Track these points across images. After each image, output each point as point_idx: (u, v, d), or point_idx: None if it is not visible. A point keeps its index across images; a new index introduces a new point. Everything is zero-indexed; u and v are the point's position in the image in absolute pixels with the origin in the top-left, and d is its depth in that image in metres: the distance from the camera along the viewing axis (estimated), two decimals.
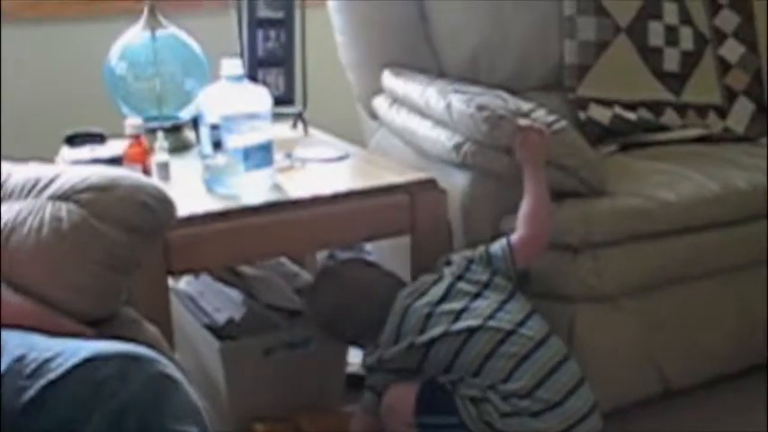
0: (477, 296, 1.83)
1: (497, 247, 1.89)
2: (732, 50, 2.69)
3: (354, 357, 2.20)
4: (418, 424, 1.78)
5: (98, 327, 1.43)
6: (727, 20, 2.70)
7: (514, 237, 1.88)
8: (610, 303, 2.07)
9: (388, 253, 2.51)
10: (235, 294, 2.10)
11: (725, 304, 2.24)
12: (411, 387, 1.81)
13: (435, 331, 1.79)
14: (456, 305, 1.82)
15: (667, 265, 2.11)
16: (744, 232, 2.20)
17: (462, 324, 1.78)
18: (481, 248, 1.90)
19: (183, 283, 2.22)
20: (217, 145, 1.89)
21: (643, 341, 2.14)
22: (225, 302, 2.10)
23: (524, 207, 1.90)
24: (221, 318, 2.06)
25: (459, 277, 1.86)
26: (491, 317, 1.79)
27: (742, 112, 2.65)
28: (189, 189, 1.93)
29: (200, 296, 2.18)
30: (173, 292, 2.07)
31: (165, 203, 1.54)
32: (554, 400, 1.73)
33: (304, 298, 2.07)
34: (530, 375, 1.73)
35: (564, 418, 1.73)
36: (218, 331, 2.03)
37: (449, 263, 1.91)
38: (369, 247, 2.73)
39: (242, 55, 2.29)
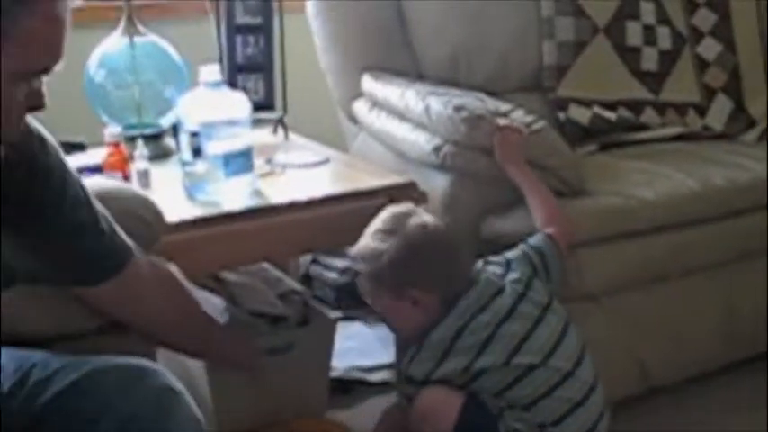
0: (539, 321, 1.69)
1: (543, 245, 1.80)
2: (709, 49, 2.71)
3: (337, 362, 2.21)
4: None
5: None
6: (704, 18, 2.72)
7: (552, 233, 1.83)
8: (591, 302, 2.08)
9: None
10: (217, 301, 2.05)
11: (706, 301, 2.25)
12: (454, 398, 1.68)
13: (494, 359, 1.66)
14: (519, 329, 1.67)
15: (648, 264, 2.12)
16: (723, 229, 2.21)
17: (523, 359, 1.66)
18: (528, 250, 1.79)
19: None
20: (197, 152, 1.89)
21: (625, 339, 2.15)
22: (207, 309, 2.01)
23: (538, 206, 1.89)
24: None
25: (523, 295, 1.71)
26: (551, 354, 1.67)
27: (721, 109, 2.67)
28: (170, 196, 1.92)
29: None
30: None
31: (158, 216, 1.55)
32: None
33: (368, 239, 1.76)
34: (581, 422, 1.67)
35: None
36: None
37: (487, 263, 1.78)
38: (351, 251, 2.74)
39: (221, 61, 2.29)
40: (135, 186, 1.89)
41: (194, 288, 1.85)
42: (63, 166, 1.32)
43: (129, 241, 1.43)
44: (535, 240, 1.81)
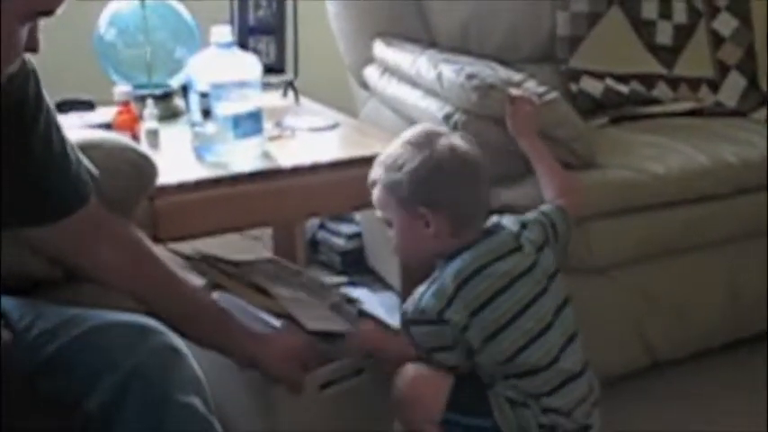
0: (544, 291, 1.63)
1: (555, 215, 1.75)
2: (725, 24, 2.68)
3: None
4: (446, 421, 1.60)
5: (76, 289, 1.42)
6: None
7: (562, 205, 1.79)
8: (599, 275, 2.08)
9: (376, 223, 2.51)
10: (270, 318, 1.80)
11: (714, 277, 2.25)
12: (442, 379, 1.61)
13: (503, 313, 1.58)
14: (528, 293, 1.61)
15: (657, 238, 2.12)
16: (734, 206, 2.20)
17: (526, 324, 1.59)
18: (541, 216, 1.73)
19: None
20: (206, 113, 1.89)
21: (632, 313, 2.15)
22: (257, 325, 1.78)
23: (548, 179, 1.85)
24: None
25: (534, 263, 1.64)
26: (550, 325, 1.62)
27: (734, 86, 2.65)
28: (178, 157, 1.93)
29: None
30: None
31: (147, 166, 1.53)
32: (584, 423, 1.64)
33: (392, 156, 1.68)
34: (574, 396, 1.62)
35: None
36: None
37: (501, 227, 1.69)
38: (358, 216, 2.74)
39: (232, 22, 2.28)
40: (144, 146, 1.89)
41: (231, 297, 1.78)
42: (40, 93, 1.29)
43: (88, 180, 1.38)
44: (547, 209, 1.76)
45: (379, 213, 1.70)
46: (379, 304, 2.52)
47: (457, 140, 1.67)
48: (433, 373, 1.62)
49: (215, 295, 1.88)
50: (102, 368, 1.15)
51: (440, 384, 1.61)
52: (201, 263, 1.90)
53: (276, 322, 1.78)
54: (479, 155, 1.67)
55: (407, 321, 1.63)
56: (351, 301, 1.94)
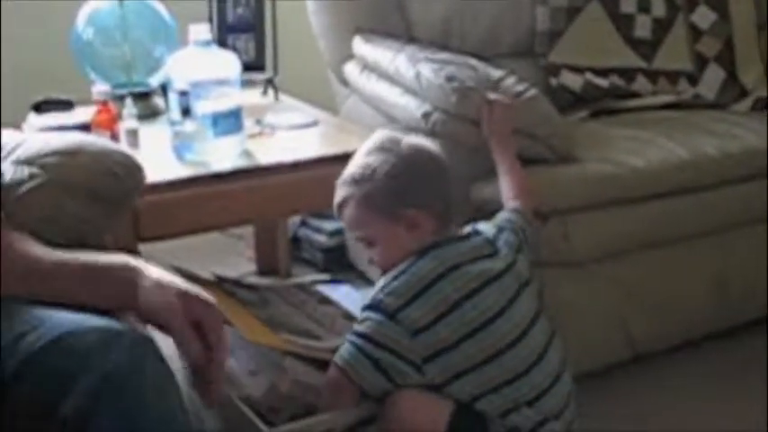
0: (516, 297, 1.57)
1: (521, 219, 1.72)
2: (703, 17, 2.69)
3: None
4: None
5: None
6: None
7: (519, 207, 1.77)
8: (579, 269, 2.09)
9: None
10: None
11: (696, 269, 2.26)
12: (441, 407, 1.50)
13: (474, 317, 1.52)
14: (501, 299, 1.55)
15: (636, 231, 2.12)
16: (714, 198, 2.21)
17: (489, 338, 1.52)
18: (508, 223, 1.70)
19: None
20: (186, 111, 1.88)
21: (612, 306, 2.16)
22: (261, 362, 1.71)
23: (508, 182, 1.83)
24: (258, 386, 1.67)
25: (511, 265, 1.60)
26: (525, 333, 1.55)
27: (713, 78, 2.66)
28: (158, 156, 1.92)
29: None
30: None
31: (133, 170, 1.52)
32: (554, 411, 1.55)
33: (363, 156, 1.65)
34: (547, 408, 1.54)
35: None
36: (254, 405, 1.62)
37: (477, 233, 1.66)
38: None
39: (211, 20, 2.27)
40: (123, 145, 1.88)
41: None
42: None
43: None
44: (510, 215, 1.73)
45: (354, 235, 1.68)
46: (361, 301, 2.52)
47: (418, 139, 1.67)
48: (431, 400, 1.51)
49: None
50: (76, 372, 1.14)
51: (436, 413, 1.50)
52: (216, 288, 1.89)
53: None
54: (441, 151, 1.67)
55: (367, 304, 1.56)
56: (326, 301, 1.91)
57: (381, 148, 1.63)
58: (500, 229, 1.67)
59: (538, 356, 1.55)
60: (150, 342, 1.22)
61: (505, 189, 1.83)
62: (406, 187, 1.60)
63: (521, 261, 1.63)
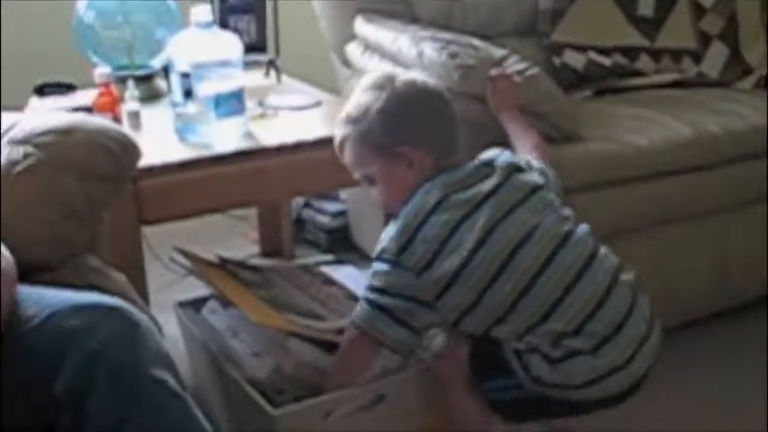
0: (515, 208, 1.55)
1: (540, 164, 1.70)
2: None
3: None
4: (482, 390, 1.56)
5: (57, 275, 1.41)
6: None
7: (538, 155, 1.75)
8: None
9: (360, 200, 2.51)
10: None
11: (700, 248, 2.26)
12: (457, 351, 1.57)
13: (477, 231, 1.50)
14: (496, 214, 1.53)
15: (639, 210, 2.12)
16: (718, 176, 2.21)
17: (503, 240, 1.51)
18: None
19: (207, 312, 1.91)
20: (188, 93, 1.88)
21: None
22: (265, 343, 1.73)
23: (522, 141, 1.82)
24: (263, 367, 1.69)
25: (507, 177, 1.58)
26: (529, 238, 1.53)
27: (716, 56, 2.65)
28: (160, 138, 1.92)
29: (230, 333, 1.80)
30: (193, 325, 1.86)
31: (128, 147, 1.52)
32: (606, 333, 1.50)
33: (358, 91, 1.65)
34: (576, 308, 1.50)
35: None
36: (258, 386, 1.64)
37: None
38: (343, 194, 2.74)
39: (212, 2, 2.26)
40: (125, 128, 1.88)
41: None
42: None
43: None
44: (529, 157, 1.71)
45: (356, 174, 1.67)
46: (364, 281, 2.52)
47: (414, 75, 1.66)
48: (447, 349, 1.61)
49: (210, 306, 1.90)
50: (66, 351, 1.14)
51: (454, 358, 1.58)
52: (219, 269, 1.90)
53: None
54: (440, 85, 1.66)
55: (374, 256, 1.58)
56: (330, 282, 1.90)
57: (376, 86, 1.62)
58: (502, 152, 1.66)
59: (548, 262, 1.51)
60: (144, 319, 1.22)
61: (520, 148, 1.80)
62: (400, 124, 1.59)
63: (523, 175, 1.61)
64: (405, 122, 1.59)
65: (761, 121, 2.28)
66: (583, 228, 1.60)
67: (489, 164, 1.61)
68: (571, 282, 1.51)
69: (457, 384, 1.59)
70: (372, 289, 1.56)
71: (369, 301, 1.56)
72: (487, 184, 1.57)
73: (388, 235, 1.56)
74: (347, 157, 1.65)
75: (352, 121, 1.62)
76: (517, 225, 1.54)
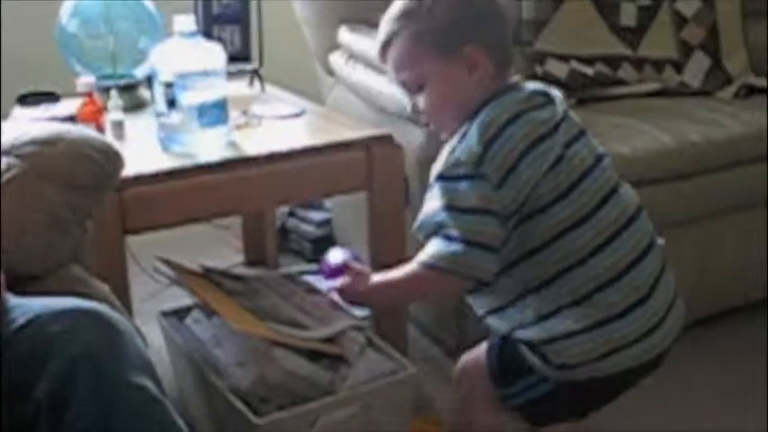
0: (575, 140, 1.48)
1: None
2: (688, 5, 2.70)
3: None
4: (503, 398, 1.50)
5: (41, 285, 1.40)
6: None
7: None
8: None
9: (345, 208, 2.52)
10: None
11: (682, 256, 2.27)
12: (477, 352, 1.53)
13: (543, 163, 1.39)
14: (587, 155, 1.46)
15: None
16: (698, 185, 2.22)
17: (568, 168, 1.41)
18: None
19: (191, 321, 1.91)
20: (171, 103, 1.88)
21: None
22: (249, 352, 1.71)
23: None
24: (246, 376, 1.67)
25: (567, 112, 1.49)
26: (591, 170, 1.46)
27: (698, 66, 2.67)
28: (144, 147, 1.92)
29: (214, 343, 1.79)
30: (177, 334, 1.86)
31: (112, 157, 1.52)
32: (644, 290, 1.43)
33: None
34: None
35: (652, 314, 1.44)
36: (242, 395, 1.64)
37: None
38: (328, 203, 2.74)
39: (196, 12, 2.26)
40: (109, 137, 1.87)
41: None
42: None
43: None
44: None
45: (400, 77, 1.50)
46: None
47: None
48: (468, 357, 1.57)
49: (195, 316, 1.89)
50: (47, 355, 1.14)
51: (476, 360, 1.54)
52: (203, 278, 1.89)
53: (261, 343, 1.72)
54: None
55: (441, 178, 1.40)
56: (358, 328, 1.85)
57: None
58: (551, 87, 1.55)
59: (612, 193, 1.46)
60: (125, 324, 1.22)
61: None
62: (464, 20, 1.43)
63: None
64: (470, 19, 1.42)
65: (741, 130, 2.30)
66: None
67: (546, 94, 1.48)
68: (624, 224, 1.45)
69: (477, 398, 1.55)
70: (450, 209, 1.38)
71: (446, 236, 1.38)
72: (558, 111, 1.46)
73: (461, 148, 1.39)
74: (393, 57, 1.48)
75: (407, 15, 1.45)
76: (583, 155, 1.46)
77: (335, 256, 1.62)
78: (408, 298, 1.59)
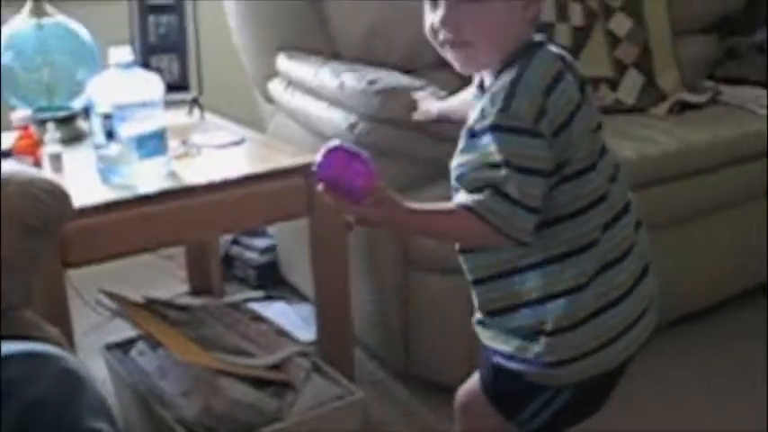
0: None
1: None
2: (620, 24, 2.76)
3: None
4: (520, 424, 1.46)
5: None
6: None
7: None
8: None
9: (288, 235, 2.52)
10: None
11: None
12: (473, 389, 1.50)
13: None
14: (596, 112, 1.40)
15: None
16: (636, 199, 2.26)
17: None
18: None
19: (135, 353, 1.90)
20: (110, 134, 1.87)
21: None
22: (194, 382, 1.71)
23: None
24: (192, 406, 1.67)
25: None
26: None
27: (632, 83, 2.72)
28: (83, 179, 1.90)
29: (159, 374, 1.80)
30: (121, 366, 1.86)
31: (59, 197, 1.51)
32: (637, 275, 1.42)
33: None
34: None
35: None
36: (188, 426, 1.65)
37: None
38: (271, 230, 2.75)
39: (133, 42, 2.26)
40: (47, 170, 1.86)
41: None
42: None
43: None
44: None
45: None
46: (295, 316, 2.53)
47: None
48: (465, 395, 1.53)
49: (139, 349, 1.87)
50: (5, 400, 1.13)
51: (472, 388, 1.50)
52: (146, 309, 1.88)
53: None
54: None
55: (497, 128, 1.28)
56: (304, 354, 1.86)
57: None
58: None
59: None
60: (82, 367, 1.21)
61: None
62: None
63: None
64: None
65: (675, 145, 2.35)
66: None
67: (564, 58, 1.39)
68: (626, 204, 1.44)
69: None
70: (507, 165, 1.28)
71: (497, 190, 1.28)
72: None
73: (515, 97, 1.28)
74: None
75: None
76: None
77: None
78: (437, 233, 1.43)
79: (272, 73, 2.46)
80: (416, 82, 2.12)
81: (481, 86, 1.44)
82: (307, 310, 2.50)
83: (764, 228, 2.54)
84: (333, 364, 1.92)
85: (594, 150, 1.37)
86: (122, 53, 1.87)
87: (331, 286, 2.06)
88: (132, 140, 1.86)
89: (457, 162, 1.34)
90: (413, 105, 1.90)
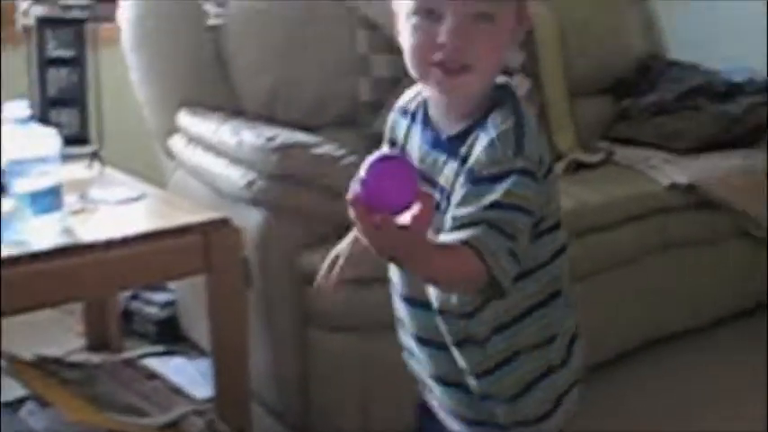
0: None
1: None
2: (520, 85, 2.83)
3: None
4: None
5: None
6: (514, 57, 2.84)
7: None
8: None
9: (189, 290, 2.51)
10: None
11: None
12: None
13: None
14: None
15: None
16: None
17: None
18: None
19: (25, 413, 1.81)
20: (3, 190, 1.85)
21: None
22: None
23: None
24: None
25: None
26: None
27: None
28: None
29: None
30: (10, 426, 1.78)
31: None
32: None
33: None
34: None
35: None
36: None
37: None
38: (171, 284, 2.73)
39: (32, 95, 2.24)
40: None
41: None
42: None
43: None
44: None
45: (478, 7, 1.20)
46: (194, 372, 2.51)
47: None
48: None
49: None
50: None
51: None
52: (37, 368, 1.85)
53: None
54: None
55: (523, 172, 1.19)
56: (200, 412, 1.83)
57: None
58: None
59: None
60: None
61: None
62: None
63: None
64: None
65: (570, 204, 2.41)
66: None
67: None
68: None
69: None
70: (514, 209, 1.19)
71: (500, 229, 1.17)
72: None
73: (523, 145, 1.21)
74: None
75: None
76: None
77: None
78: (443, 270, 1.19)
79: (174, 128, 2.46)
80: (315, 139, 2.16)
81: (436, 139, 1.32)
82: (206, 365, 2.47)
83: (662, 282, 2.61)
84: (230, 420, 1.90)
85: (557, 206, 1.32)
86: (18, 107, 1.85)
87: (229, 342, 2.05)
88: (26, 197, 1.84)
89: (466, 211, 1.19)
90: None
